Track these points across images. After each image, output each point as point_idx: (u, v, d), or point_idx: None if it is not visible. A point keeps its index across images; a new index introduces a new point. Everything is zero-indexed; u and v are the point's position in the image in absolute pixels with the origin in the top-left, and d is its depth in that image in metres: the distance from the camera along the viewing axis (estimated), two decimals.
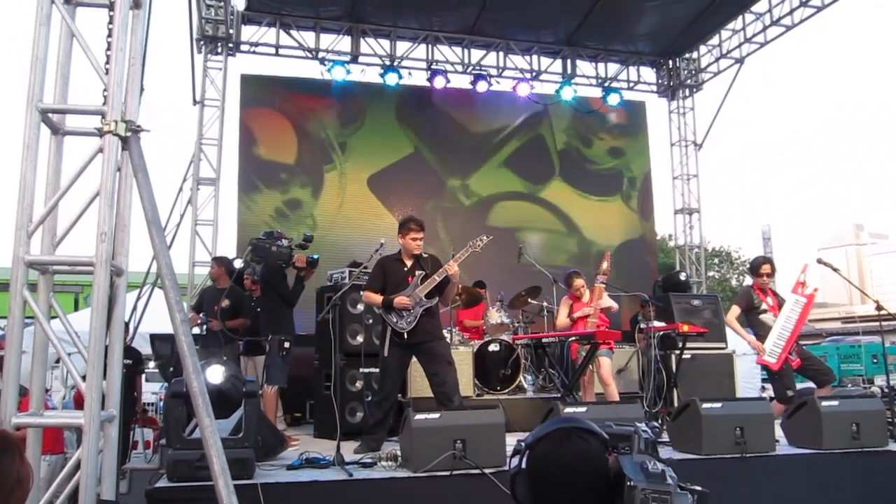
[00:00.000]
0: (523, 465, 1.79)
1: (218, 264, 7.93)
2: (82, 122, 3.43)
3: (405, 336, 5.68)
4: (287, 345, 6.54)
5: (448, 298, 6.22)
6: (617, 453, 1.77)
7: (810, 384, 6.99)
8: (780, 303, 6.80)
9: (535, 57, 12.26)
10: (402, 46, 11.55)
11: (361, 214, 11.03)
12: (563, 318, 7.32)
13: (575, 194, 12.06)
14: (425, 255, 6.01)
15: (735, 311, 6.89)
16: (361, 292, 6.21)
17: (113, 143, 3.18)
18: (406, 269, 5.89)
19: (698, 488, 1.74)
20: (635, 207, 12.36)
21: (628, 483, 1.67)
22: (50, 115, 3.31)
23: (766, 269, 6.88)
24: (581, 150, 12.27)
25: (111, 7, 3.31)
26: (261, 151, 10.79)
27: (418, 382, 6.81)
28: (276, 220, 10.33)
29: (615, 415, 5.22)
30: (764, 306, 6.78)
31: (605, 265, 7.16)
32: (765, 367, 6.85)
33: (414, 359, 5.97)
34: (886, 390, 7.51)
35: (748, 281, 7.22)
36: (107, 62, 3.27)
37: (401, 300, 5.67)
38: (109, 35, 3.29)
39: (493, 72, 11.90)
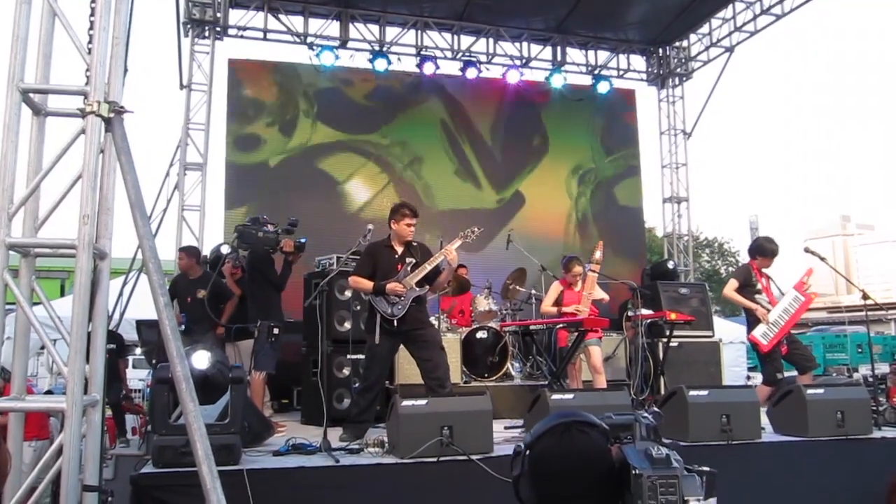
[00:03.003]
0: (525, 467, 1.74)
1: (188, 255, 7.66)
2: (65, 103, 3.36)
3: (395, 323, 5.61)
4: (276, 331, 6.50)
5: (440, 286, 6.17)
6: (620, 444, 1.74)
7: (794, 372, 7.03)
8: (770, 286, 6.82)
9: (525, 44, 12.21)
10: (392, 32, 11.48)
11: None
12: (548, 305, 7.27)
13: (563, 182, 12.04)
14: (415, 244, 5.92)
15: (734, 283, 6.89)
16: (349, 278, 6.10)
17: (96, 124, 3.12)
18: (396, 256, 5.80)
19: (706, 469, 1.72)
20: (624, 196, 12.35)
21: (634, 472, 1.65)
22: (31, 95, 3.24)
23: (774, 254, 6.84)
24: (570, 137, 12.24)
25: None
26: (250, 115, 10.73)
27: (406, 369, 6.80)
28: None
29: (602, 402, 5.23)
30: (759, 286, 6.78)
31: (597, 254, 7.09)
32: (755, 349, 6.87)
33: (401, 346, 5.94)
34: (871, 379, 7.58)
35: (746, 259, 7.21)
36: (89, 42, 3.21)
37: (394, 286, 5.57)
38: (92, 14, 3.22)
39: (483, 58, 11.84)
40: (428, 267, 5.69)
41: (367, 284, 5.70)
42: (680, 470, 1.68)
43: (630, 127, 12.69)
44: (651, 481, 1.63)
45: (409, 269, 5.71)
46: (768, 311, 6.60)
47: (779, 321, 6.55)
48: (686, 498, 1.66)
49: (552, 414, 1.84)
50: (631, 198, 12.41)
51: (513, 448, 1.84)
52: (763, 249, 6.87)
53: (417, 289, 5.69)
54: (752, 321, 6.70)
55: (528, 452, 1.75)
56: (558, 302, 7.21)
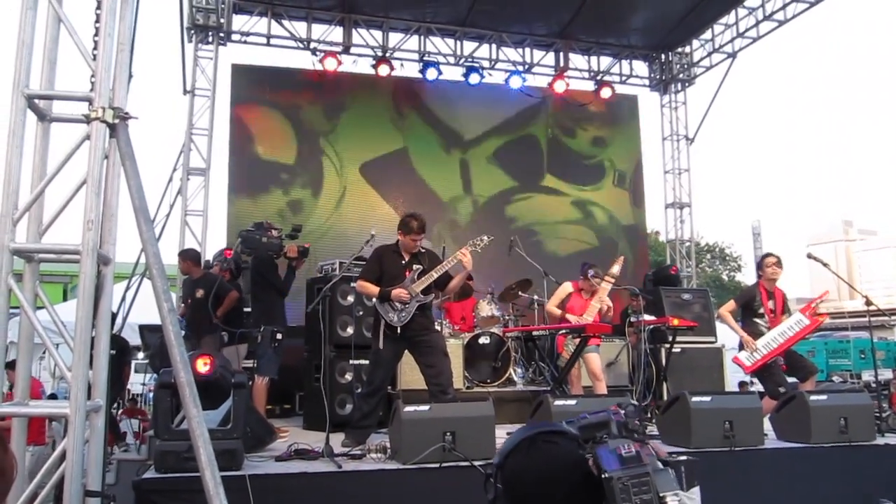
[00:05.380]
0: (498, 489, 1.66)
1: (183, 259, 7.73)
2: (69, 109, 3.38)
3: (398, 330, 5.61)
4: (279, 336, 6.51)
5: (452, 291, 6.15)
6: (597, 443, 1.67)
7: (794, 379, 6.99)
8: (782, 309, 6.77)
9: (527, 49, 12.21)
10: (395, 38, 11.50)
11: (356, 205, 11.00)
12: (553, 305, 7.25)
13: (565, 188, 12.03)
14: (423, 250, 5.89)
15: (730, 305, 6.84)
16: (354, 283, 6.07)
17: (100, 129, 3.13)
18: (404, 262, 5.77)
19: (684, 458, 1.66)
20: (626, 202, 12.34)
21: (604, 475, 1.58)
22: (36, 101, 3.26)
23: (769, 261, 6.80)
24: (572, 143, 12.23)
25: None
26: (253, 146, 10.71)
27: (408, 374, 6.79)
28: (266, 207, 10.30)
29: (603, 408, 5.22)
30: (762, 311, 6.69)
31: (615, 269, 7.09)
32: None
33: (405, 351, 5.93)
34: (874, 385, 7.57)
35: (753, 279, 7.17)
36: (94, 48, 3.23)
37: (399, 293, 5.55)
38: (97, 20, 3.24)
39: (486, 64, 11.85)
40: (435, 275, 5.67)
41: (373, 290, 5.68)
42: (652, 466, 1.61)
43: (632, 133, 12.67)
44: (622, 483, 1.56)
45: (415, 276, 5.69)
46: (762, 333, 6.56)
47: (771, 344, 6.48)
48: (662, 494, 1.59)
49: (518, 429, 1.75)
50: (633, 204, 12.38)
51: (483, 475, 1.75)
52: (759, 264, 6.83)
53: (423, 296, 5.67)
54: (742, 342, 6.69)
55: (498, 475, 1.67)
56: (563, 304, 7.19)
